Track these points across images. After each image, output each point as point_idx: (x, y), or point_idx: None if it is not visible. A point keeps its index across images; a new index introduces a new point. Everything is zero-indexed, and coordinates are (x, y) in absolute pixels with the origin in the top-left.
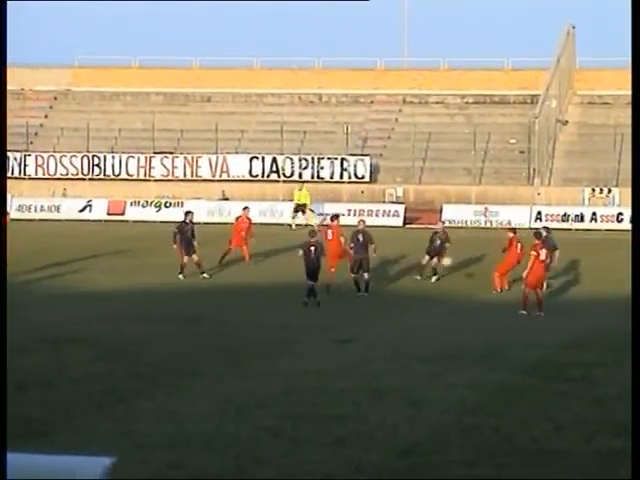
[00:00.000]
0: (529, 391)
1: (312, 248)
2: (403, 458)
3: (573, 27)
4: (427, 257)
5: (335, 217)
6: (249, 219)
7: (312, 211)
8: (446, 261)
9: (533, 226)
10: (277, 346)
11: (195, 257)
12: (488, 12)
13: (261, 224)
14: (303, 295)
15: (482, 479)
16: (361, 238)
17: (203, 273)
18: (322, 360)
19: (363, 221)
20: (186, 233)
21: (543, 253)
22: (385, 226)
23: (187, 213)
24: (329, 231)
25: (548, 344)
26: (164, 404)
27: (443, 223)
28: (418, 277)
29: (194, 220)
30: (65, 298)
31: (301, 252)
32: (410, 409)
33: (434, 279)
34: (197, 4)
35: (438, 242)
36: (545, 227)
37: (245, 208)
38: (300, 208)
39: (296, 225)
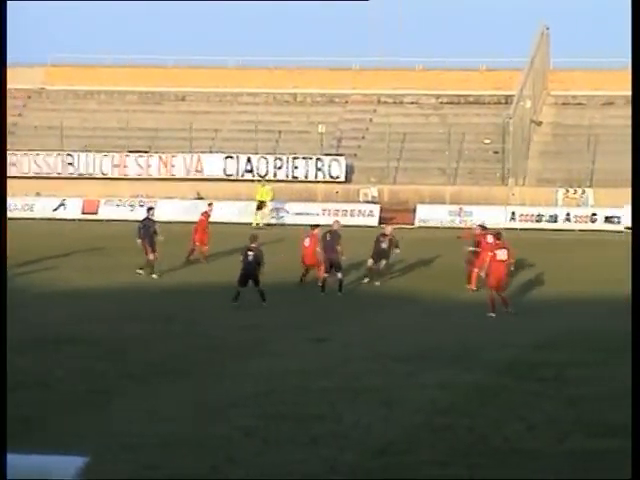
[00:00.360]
0: (502, 391)
1: (250, 253)
2: (377, 458)
3: (547, 28)
4: (371, 260)
5: (315, 227)
6: (208, 216)
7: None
8: (396, 251)
9: (508, 226)
10: (251, 346)
11: (151, 256)
12: (463, 13)
13: (235, 224)
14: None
15: (456, 479)
16: (329, 238)
17: (152, 274)
18: (297, 360)
19: (338, 222)
20: (149, 229)
21: (502, 253)
22: (360, 226)
23: (149, 209)
24: (307, 239)
25: (521, 344)
26: (141, 404)
27: (393, 227)
28: (366, 280)
29: (154, 217)
30: (41, 297)
31: (242, 256)
32: (384, 409)
33: (366, 280)
34: (172, 3)
35: (383, 245)
36: (481, 225)
37: (210, 204)
38: (262, 205)
39: (261, 223)
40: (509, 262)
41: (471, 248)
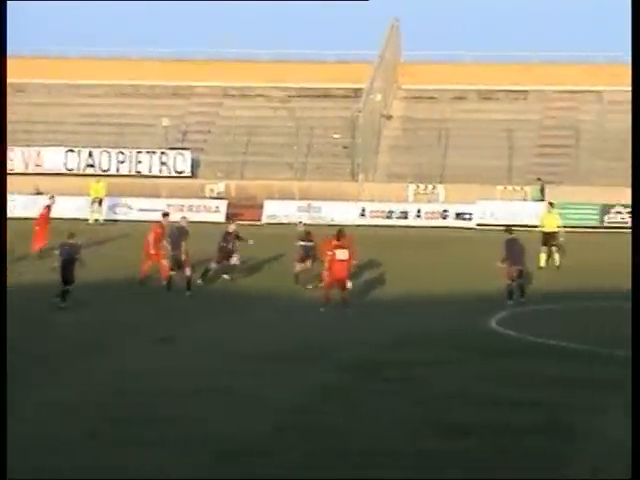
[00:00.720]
0: (350, 391)
1: (65, 249)
2: (226, 459)
3: (397, 21)
4: (214, 264)
5: (165, 215)
6: (49, 210)
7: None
8: (249, 242)
9: (358, 223)
10: (94, 347)
11: None
12: (310, 4)
13: (76, 219)
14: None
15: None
16: (177, 233)
17: None
18: (144, 360)
19: (185, 218)
20: None
21: (342, 253)
22: (206, 222)
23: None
24: (151, 234)
25: (370, 343)
26: None
27: (237, 224)
28: (226, 276)
29: None
30: None
31: (57, 252)
32: (235, 410)
33: (200, 281)
34: None
35: (229, 245)
36: (300, 221)
37: (51, 197)
38: (96, 200)
39: (100, 219)
40: (350, 262)
41: (301, 242)
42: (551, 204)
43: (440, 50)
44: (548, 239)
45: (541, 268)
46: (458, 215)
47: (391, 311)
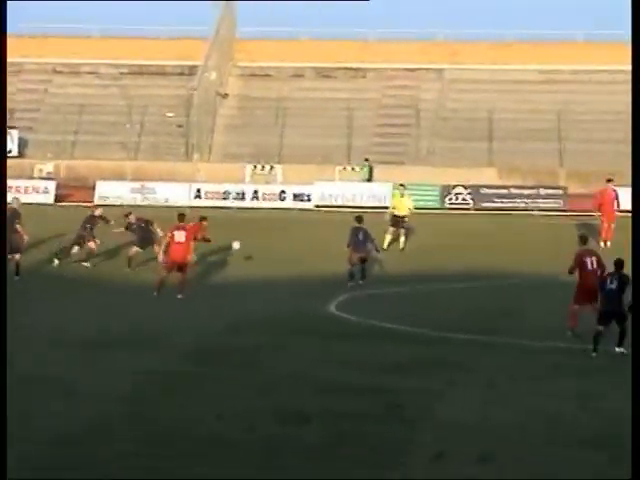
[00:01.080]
0: (191, 378)
1: None
2: (56, 450)
3: None
4: (76, 247)
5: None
6: None
7: None
8: (235, 245)
9: (192, 204)
10: None
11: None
12: None
13: None
14: None
15: (141, 467)
16: (9, 215)
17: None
18: None
19: (17, 199)
20: None
21: (180, 235)
22: (34, 204)
23: None
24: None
25: (212, 329)
26: None
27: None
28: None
29: None
30: None
31: None
32: (64, 399)
33: (55, 262)
34: None
35: (93, 228)
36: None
37: None
38: None
39: None
40: (188, 245)
41: (117, 230)
42: (402, 186)
43: (277, 27)
44: (398, 222)
45: (385, 250)
46: (296, 196)
47: (231, 295)
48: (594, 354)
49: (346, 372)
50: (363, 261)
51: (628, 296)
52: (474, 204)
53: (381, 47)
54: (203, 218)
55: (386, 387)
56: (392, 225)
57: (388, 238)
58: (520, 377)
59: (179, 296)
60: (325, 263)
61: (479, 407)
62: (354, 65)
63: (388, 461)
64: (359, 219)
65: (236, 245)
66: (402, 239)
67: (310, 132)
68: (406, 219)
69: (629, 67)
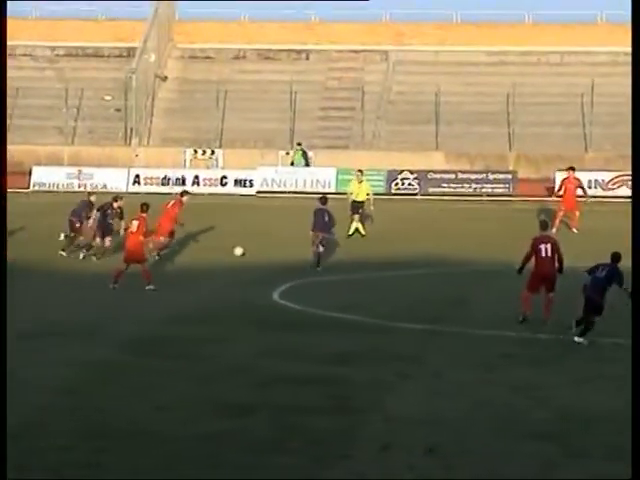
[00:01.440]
0: (131, 369)
1: None
2: None
3: None
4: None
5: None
6: None
7: None
8: (238, 251)
9: (131, 190)
10: None
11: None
12: None
13: None
14: None
15: (83, 463)
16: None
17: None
18: None
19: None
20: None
21: (134, 224)
22: None
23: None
24: None
25: (154, 319)
26: None
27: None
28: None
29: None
30: None
31: None
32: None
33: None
34: None
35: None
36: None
37: None
38: None
39: None
40: (138, 234)
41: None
42: (360, 172)
43: (217, 8)
44: (357, 207)
45: (349, 236)
46: (238, 182)
47: (174, 284)
48: (584, 341)
49: (291, 363)
50: (322, 242)
51: (619, 291)
52: (421, 189)
53: (325, 28)
54: (185, 192)
55: (332, 379)
56: (353, 212)
57: (353, 225)
58: (470, 367)
59: (148, 287)
60: (268, 250)
61: (427, 398)
62: (297, 47)
63: (334, 454)
64: (323, 200)
65: (238, 251)
66: (359, 225)
67: (252, 116)
68: (364, 205)
69: (579, 48)
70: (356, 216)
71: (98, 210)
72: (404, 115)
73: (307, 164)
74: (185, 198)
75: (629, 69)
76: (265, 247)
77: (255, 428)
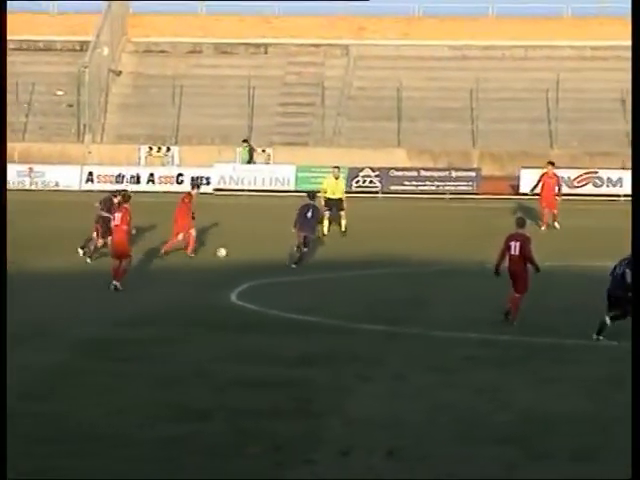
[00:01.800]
0: (86, 372)
1: None
2: None
3: None
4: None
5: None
6: None
7: None
8: (221, 252)
9: (84, 188)
10: None
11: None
12: None
13: None
14: None
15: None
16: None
17: None
18: None
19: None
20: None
21: (117, 217)
22: None
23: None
24: None
25: (110, 321)
26: None
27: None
28: None
29: None
30: None
31: None
32: None
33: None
34: None
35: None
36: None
37: None
38: None
39: None
40: (123, 227)
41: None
42: (337, 168)
43: (173, 0)
44: (333, 205)
45: (324, 236)
46: (195, 179)
47: (132, 285)
48: (601, 338)
49: (249, 366)
50: (306, 244)
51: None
52: (383, 187)
53: (284, 22)
54: (196, 186)
55: (291, 381)
56: (328, 209)
57: (326, 224)
58: (431, 369)
59: (113, 283)
60: (227, 250)
61: (388, 401)
62: (255, 41)
63: (293, 458)
64: (311, 195)
65: (222, 252)
66: (343, 222)
67: (209, 111)
68: (341, 203)
69: (544, 42)
70: (327, 213)
71: (103, 207)
72: (365, 111)
73: (250, 161)
74: (195, 191)
75: (595, 64)
76: (223, 247)
77: (214, 432)
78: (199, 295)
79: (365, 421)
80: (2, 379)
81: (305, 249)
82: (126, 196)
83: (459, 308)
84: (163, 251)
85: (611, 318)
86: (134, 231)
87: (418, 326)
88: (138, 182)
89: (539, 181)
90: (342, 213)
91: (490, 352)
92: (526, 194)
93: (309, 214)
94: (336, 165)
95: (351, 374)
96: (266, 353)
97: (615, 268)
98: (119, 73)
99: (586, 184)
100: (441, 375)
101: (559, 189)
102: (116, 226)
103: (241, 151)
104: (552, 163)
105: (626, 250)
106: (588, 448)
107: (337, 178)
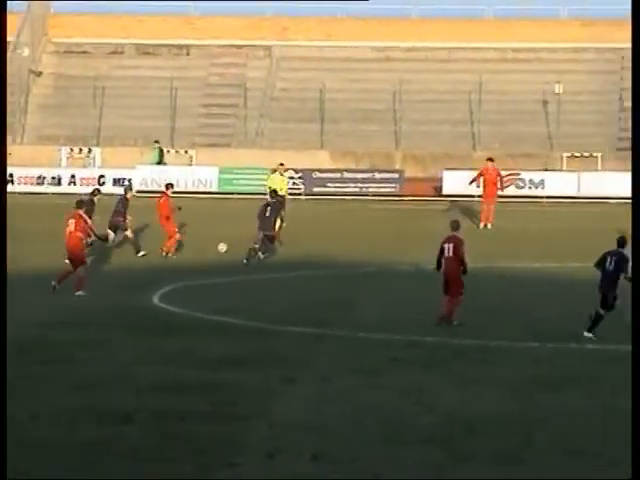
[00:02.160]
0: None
1: None
2: None
3: None
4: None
5: None
6: None
7: None
8: (222, 247)
9: (9, 191)
10: None
11: None
12: None
13: None
14: None
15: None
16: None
17: None
18: None
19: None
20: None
21: (71, 223)
22: None
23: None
24: None
25: (29, 323)
26: None
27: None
28: None
29: None
30: None
31: None
32: None
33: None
34: None
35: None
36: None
37: None
38: None
39: None
40: (76, 234)
41: None
42: (282, 165)
43: (93, 0)
44: (281, 203)
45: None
46: (116, 181)
47: (61, 287)
48: (591, 335)
49: (170, 369)
50: (264, 240)
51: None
52: (305, 189)
53: (206, 22)
54: (170, 184)
55: (215, 384)
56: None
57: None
58: (357, 371)
59: (78, 293)
60: (150, 252)
61: (314, 403)
62: (177, 42)
63: (217, 461)
64: (272, 193)
65: (222, 247)
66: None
67: (131, 113)
68: (285, 201)
69: (466, 44)
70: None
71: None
72: (288, 112)
73: (159, 162)
74: (170, 191)
75: (517, 66)
76: (147, 249)
77: (135, 436)
78: (120, 298)
79: (290, 424)
80: (2, 379)
81: (266, 248)
82: (78, 202)
83: (386, 310)
84: (169, 253)
85: (606, 309)
86: (90, 239)
87: (345, 328)
88: (59, 184)
89: (479, 175)
90: (283, 213)
91: (416, 354)
92: (449, 195)
93: (267, 213)
94: (281, 162)
95: (276, 376)
96: (189, 356)
97: (604, 262)
98: (39, 74)
99: (508, 186)
100: (367, 377)
101: (501, 184)
102: (70, 232)
103: (152, 152)
104: (491, 159)
105: (549, 252)
106: (511, 449)
107: (282, 174)
